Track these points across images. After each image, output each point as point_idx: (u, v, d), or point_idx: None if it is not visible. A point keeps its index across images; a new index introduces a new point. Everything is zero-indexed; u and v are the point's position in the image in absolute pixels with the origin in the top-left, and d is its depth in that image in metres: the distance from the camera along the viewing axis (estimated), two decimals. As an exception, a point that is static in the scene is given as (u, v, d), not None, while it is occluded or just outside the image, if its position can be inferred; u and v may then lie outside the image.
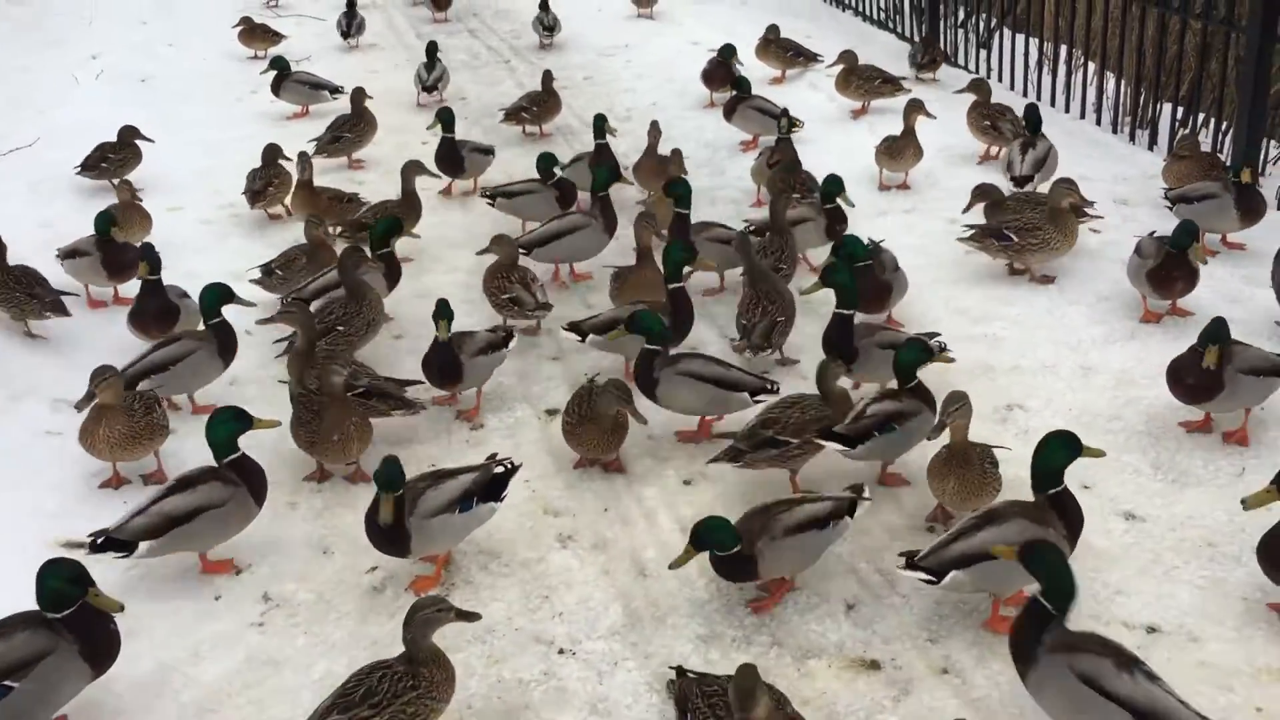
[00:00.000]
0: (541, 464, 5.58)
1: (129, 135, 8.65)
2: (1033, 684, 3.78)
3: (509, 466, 4.94)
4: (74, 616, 3.94)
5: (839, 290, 5.67)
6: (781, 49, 10.86)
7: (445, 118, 8.64)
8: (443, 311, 5.75)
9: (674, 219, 6.83)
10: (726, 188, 8.72)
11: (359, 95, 9.52)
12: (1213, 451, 5.37)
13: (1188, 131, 8.56)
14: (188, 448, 5.68)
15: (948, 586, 4.33)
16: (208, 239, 8.16)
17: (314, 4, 14.24)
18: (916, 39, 11.70)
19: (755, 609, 4.58)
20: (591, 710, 4.16)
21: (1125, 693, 3.62)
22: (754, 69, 10.52)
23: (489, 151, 8.91)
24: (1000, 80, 10.51)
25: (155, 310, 6.28)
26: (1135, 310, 6.57)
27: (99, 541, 4.62)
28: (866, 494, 4.73)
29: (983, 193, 7.22)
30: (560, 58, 12.33)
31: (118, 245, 6.89)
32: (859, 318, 5.80)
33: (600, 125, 8.30)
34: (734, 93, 9.35)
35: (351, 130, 9.36)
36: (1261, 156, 8.04)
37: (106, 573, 4.81)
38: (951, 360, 5.57)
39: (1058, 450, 4.40)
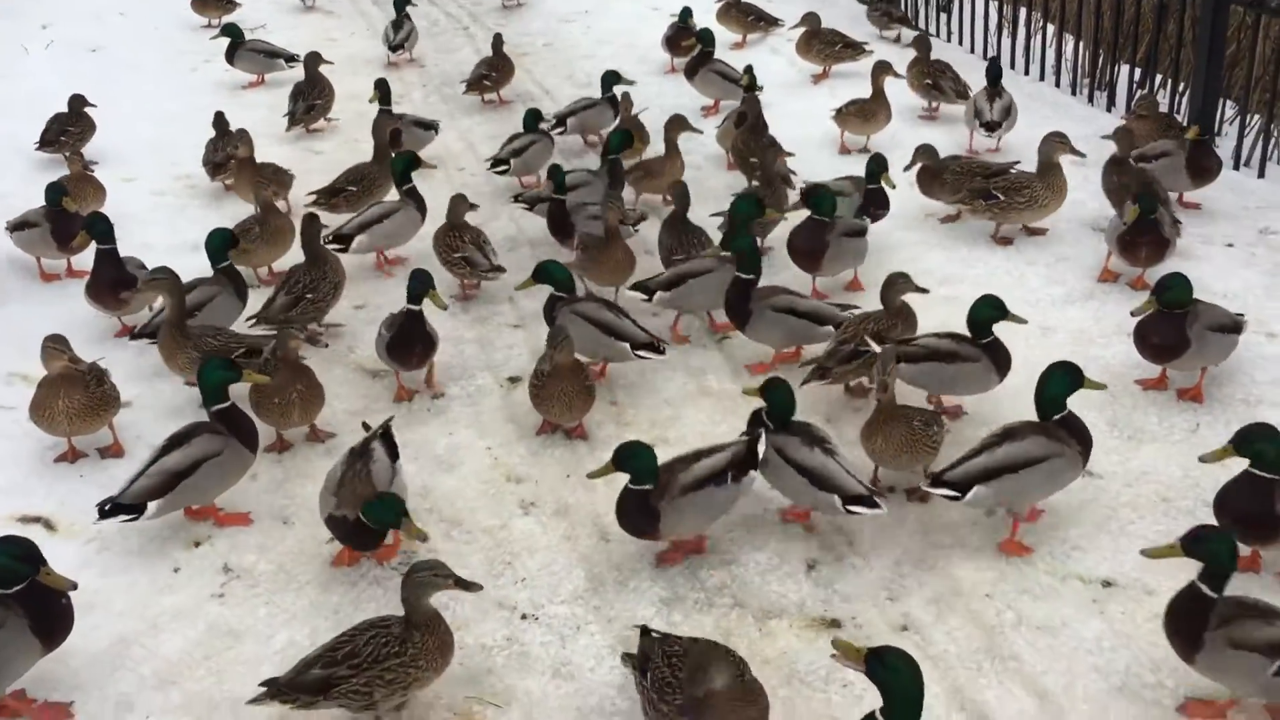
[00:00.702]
0: (503, 432, 5.57)
1: (79, 105, 8.50)
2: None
3: (387, 426, 4.99)
4: (25, 592, 3.89)
5: (739, 255, 5.75)
6: (742, 13, 10.81)
7: (383, 90, 8.47)
8: (428, 282, 5.64)
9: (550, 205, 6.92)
10: (689, 153, 8.63)
11: (314, 59, 9.40)
12: (1167, 409, 5.43)
13: (1145, 92, 8.61)
14: (144, 420, 5.63)
15: (970, 502, 4.55)
16: (162, 210, 8.04)
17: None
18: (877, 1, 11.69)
19: (661, 559, 4.65)
20: (554, 674, 4.17)
21: (799, 459, 4.63)
22: (715, 34, 10.46)
23: (430, 126, 8.64)
24: (961, 43, 10.53)
25: (111, 281, 6.19)
26: (1093, 270, 6.61)
27: (107, 509, 4.62)
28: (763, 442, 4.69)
29: (925, 153, 7.16)
30: (519, 24, 12.21)
31: (68, 216, 6.79)
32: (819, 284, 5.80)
33: (611, 81, 8.63)
34: (698, 48, 9.26)
35: (320, 96, 9.28)
36: (1217, 116, 8.10)
37: (64, 547, 4.79)
38: (1023, 322, 5.41)
39: (1060, 381, 4.68)
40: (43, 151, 8.36)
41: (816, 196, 6.32)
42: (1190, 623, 3.79)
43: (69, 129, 8.38)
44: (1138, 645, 4.18)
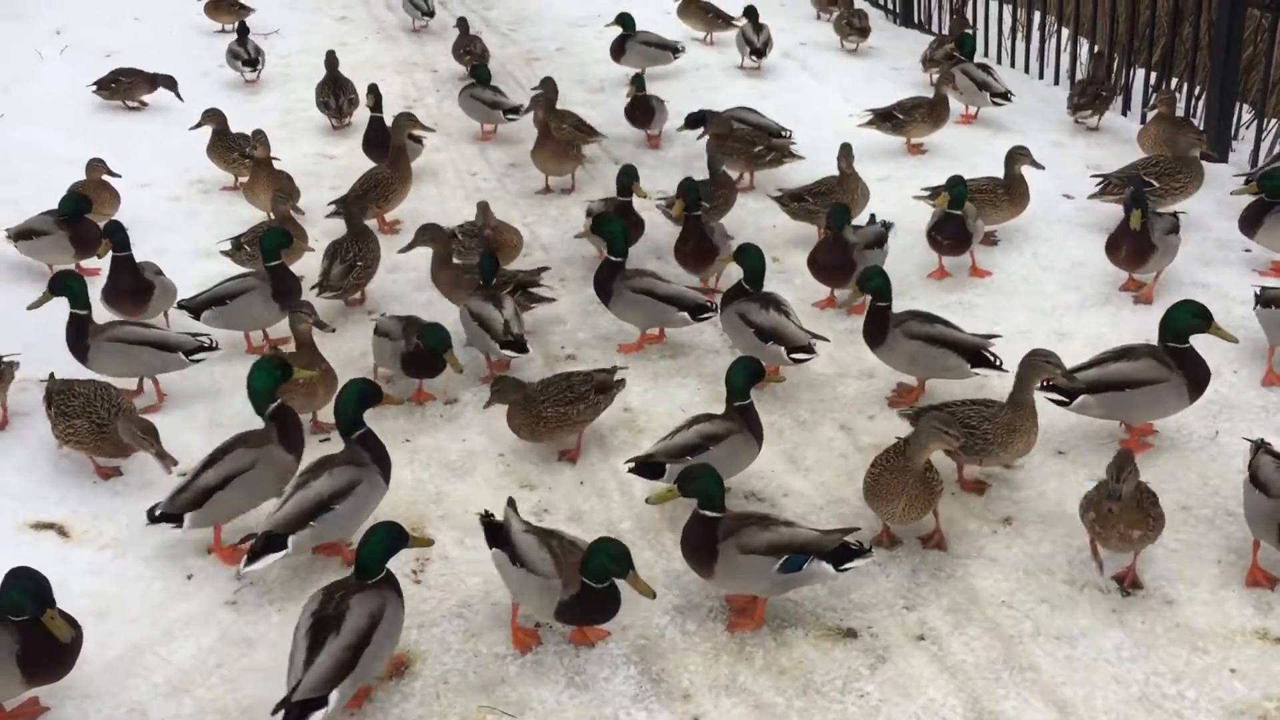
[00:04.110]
0: (516, 438, 5.53)
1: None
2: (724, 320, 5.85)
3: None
4: (29, 622, 3.80)
5: (608, 238, 6.09)
6: (702, 10, 10.99)
7: (376, 95, 8.45)
8: (445, 340, 5.57)
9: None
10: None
11: (332, 59, 9.51)
12: (1185, 416, 5.37)
13: (1166, 87, 8.57)
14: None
15: (1076, 409, 5.04)
16: (176, 215, 8.04)
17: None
18: (892, 6, 11.74)
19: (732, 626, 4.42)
20: (569, 683, 4.14)
21: (756, 320, 5.61)
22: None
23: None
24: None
25: (130, 287, 6.20)
26: (1109, 276, 6.56)
27: (156, 515, 4.69)
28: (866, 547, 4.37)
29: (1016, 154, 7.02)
30: (532, 28, 12.24)
31: (86, 221, 6.83)
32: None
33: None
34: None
35: (354, 92, 9.47)
36: (1234, 120, 8.05)
37: (78, 553, 4.79)
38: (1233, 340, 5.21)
39: (1186, 315, 4.97)
40: (98, 94, 9.58)
41: (835, 215, 6.28)
42: (702, 541, 4.19)
43: (121, 78, 9.52)
44: (1158, 655, 4.13)
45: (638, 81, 8.71)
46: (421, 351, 5.59)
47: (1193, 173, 6.93)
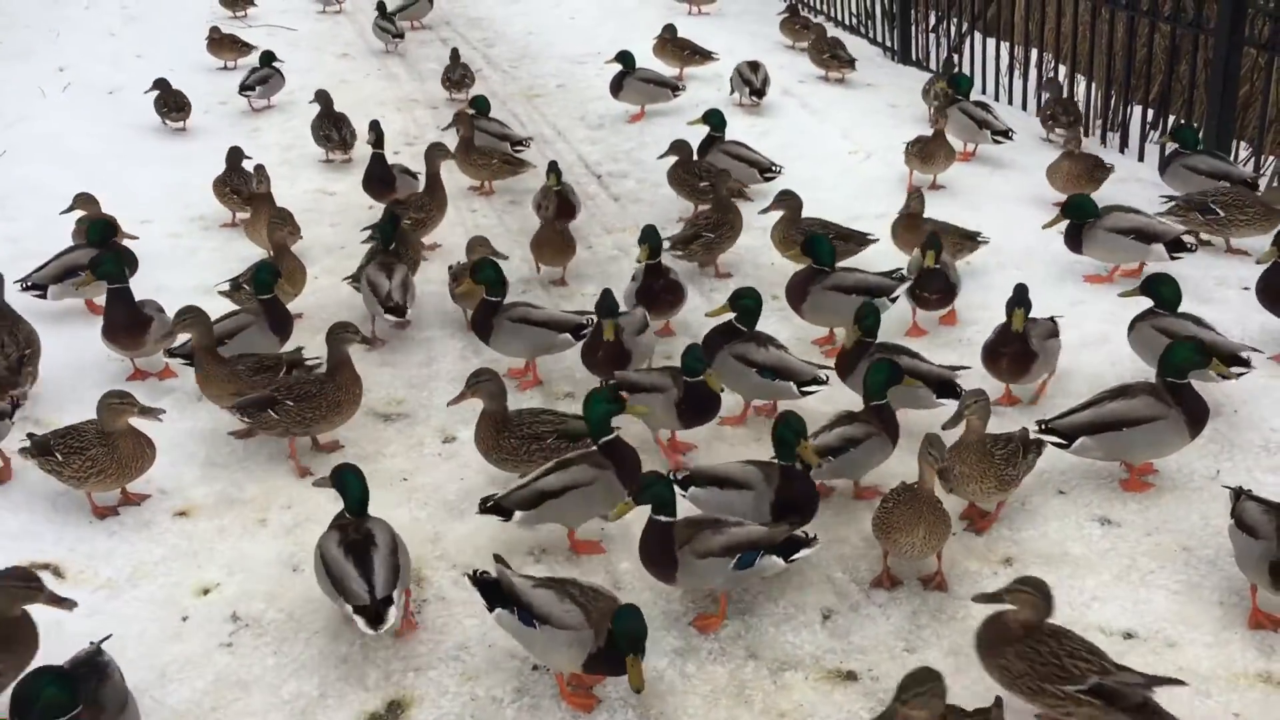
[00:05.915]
0: (513, 479, 5.52)
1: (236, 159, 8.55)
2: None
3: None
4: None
5: (485, 282, 6.18)
6: (678, 47, 11.06)
7: (377, 132, 8.44)
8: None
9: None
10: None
11: (326, 97, 9.57)
12: (1187, 456, 5.35)
13: (1070, 125, 8.67)
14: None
15: (1076, 451, 5.05)
16: (177, 252, 8.05)
17: (282, 15, 14.17)
18: (890, 44, 11.83)
19: (700, 627, 4.54)
20: (566, 727, 4.11)
21: (758, 359, 5.61)
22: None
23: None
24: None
25: (124, 320, 6.20)
26: (1106, 316, 6.56)
27: (489, 505, 4.85)
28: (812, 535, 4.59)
29: (781, 201, 7.09)
30: (533, 65, 12.31)
31: (114, 245, 6.95)
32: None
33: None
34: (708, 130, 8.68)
35: (350, 126, 9.51)
36: (1232, 158, 8.08)
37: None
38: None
39: (1185, 352, 5.01)
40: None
41: (813, 245, 6.36)
42: (662, 550, 4.37)
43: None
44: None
45: (554, 170, 7.65)
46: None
47: (1266, 215, 6.97)
